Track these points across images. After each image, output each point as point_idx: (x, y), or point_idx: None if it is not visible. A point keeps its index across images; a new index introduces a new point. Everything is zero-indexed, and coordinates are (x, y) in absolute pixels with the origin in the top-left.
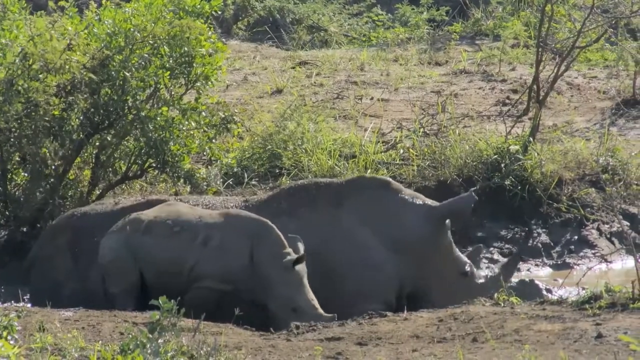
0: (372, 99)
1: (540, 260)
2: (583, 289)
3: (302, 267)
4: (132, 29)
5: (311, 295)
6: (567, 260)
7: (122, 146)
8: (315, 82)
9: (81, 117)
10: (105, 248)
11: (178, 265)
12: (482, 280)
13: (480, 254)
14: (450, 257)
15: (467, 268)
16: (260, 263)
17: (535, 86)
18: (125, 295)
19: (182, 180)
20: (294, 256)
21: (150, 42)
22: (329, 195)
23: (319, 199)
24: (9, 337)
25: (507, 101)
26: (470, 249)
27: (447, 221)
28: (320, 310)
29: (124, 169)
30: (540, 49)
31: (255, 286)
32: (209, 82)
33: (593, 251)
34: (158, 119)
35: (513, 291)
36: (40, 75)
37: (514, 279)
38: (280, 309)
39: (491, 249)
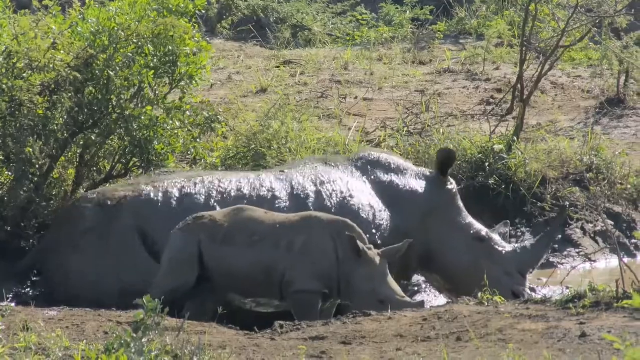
0: (356, 98)
1: None
2: (567, 288)
3: (383, 261)
4: (116, 28)
5: (395, 285)
6: (551, 259)
7: (107, 145)
8: (299, 82)
9: (65, 116)
10: (171, 245)
11: (266, 274)
12: (507, 249)
13: (506, 229)
14: (460, 222)
15: (484, 234)
16: (345, 260)
17: (519, 85)
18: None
19: None
20: (375, 250)
21: (135, 41)
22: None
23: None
24: None
25: (491, 100)
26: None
27: (453, 186)
28: (407, 298)
29: (108, 168)
30: (524, 48)
31: (342, 284)
32: (193, 82)
33: (577, 250)
34: (142, 118)
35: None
36: (25, 74)
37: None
38: (367, 303)
39: None
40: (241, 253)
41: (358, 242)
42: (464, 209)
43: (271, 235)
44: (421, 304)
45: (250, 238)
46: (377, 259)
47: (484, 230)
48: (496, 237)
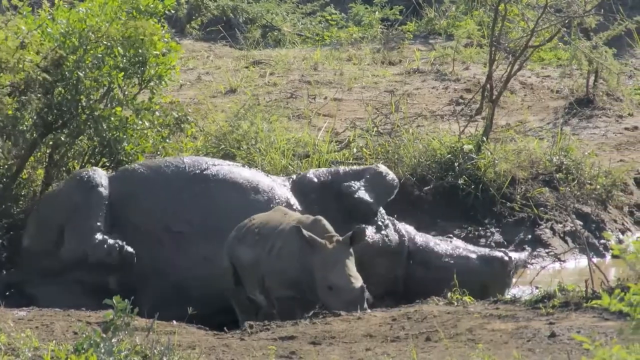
0: (325, 98)
1: None
2: (536, 288)
3: (338, 248)
4: (86, 29)
5: (349, 272)
6: None
7: (76, 146)
8: (268, 82)
9: (35, 117)
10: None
11: (255, 276)
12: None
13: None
14: None
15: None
16: (305, 259)
17: (488, 85)
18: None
19: None
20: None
21: (104, 42)
22: None
23: None
24: None
25: (460, 100)
26: None
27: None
28: (355, 285)
29: (77, 168)
30: (493, 49)
31: (311, 284)
32: (163, 82)
33: (546, 250)
34: (112, 118)
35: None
36: None
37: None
38: (321, 292)
39: None
40: (245, 251)
41: (303, 230)
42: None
43: (265, 236)
44: (362, 289)
45: (253, 237)
46: (330, 245)
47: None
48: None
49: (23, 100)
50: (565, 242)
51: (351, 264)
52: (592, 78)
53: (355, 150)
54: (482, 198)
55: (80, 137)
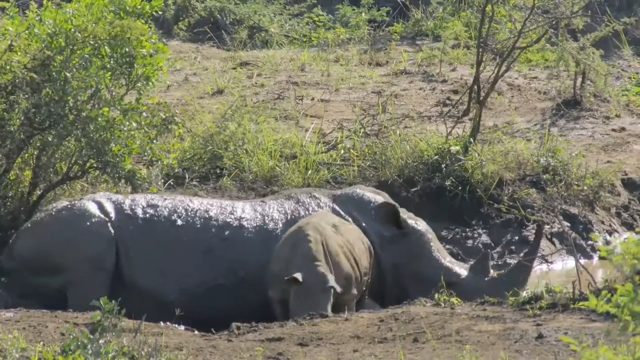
0: (312, 99)
1: None
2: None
3: (311, 289)
4: (72, 30)
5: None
6: (508, 260)
7: (63, 147)
8: (256, 83)
9: (22, 118)
10: None
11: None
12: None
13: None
14: None
15: None
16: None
17: (475, 87)
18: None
19: (123, 181)
20: (325, 277)
21: (91, 42)
22: None
23: None
24: None
25: (447, 102)
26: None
27: None
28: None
29: (64, 169)
30: (480, 50)
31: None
32: (150, 83)
33: None
34: (99, 119)
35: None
36: None
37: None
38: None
39: None
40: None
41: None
42: None
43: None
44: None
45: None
46: (310, 279)
47: None
48: None
49: (10, 100)
50: (553, 243)
51: (314, 305)
52: (579, 79)
53: (342, 151)
54: (469, 199)
55: (67, 138)
